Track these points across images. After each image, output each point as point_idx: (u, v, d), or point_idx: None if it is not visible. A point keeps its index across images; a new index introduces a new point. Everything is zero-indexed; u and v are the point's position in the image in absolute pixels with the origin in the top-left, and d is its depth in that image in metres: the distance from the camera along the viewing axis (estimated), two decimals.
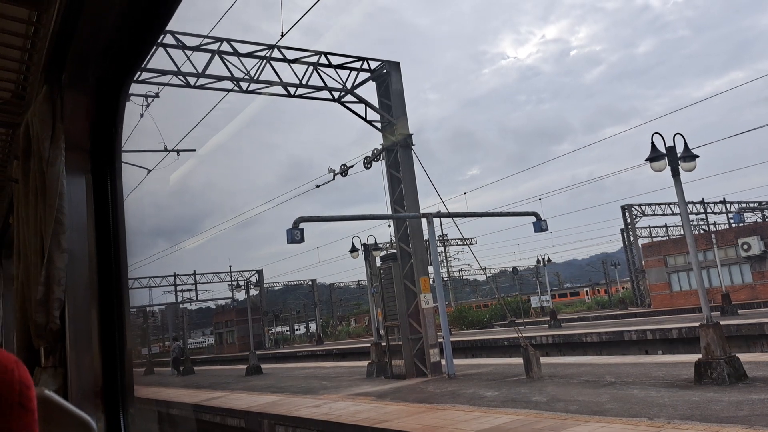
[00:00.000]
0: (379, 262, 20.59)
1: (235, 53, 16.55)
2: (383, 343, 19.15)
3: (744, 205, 53.10)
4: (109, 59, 1.77)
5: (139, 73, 14.87)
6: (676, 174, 12.13)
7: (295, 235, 15.23)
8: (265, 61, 16.87)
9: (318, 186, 21.46)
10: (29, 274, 1.94)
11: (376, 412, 11.77)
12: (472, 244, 59.10)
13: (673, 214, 51.31)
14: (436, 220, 18.35)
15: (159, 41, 14.95)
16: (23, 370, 0.83)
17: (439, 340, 17.35)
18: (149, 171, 16.97)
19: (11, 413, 0.80)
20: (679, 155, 12.13)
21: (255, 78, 16.81)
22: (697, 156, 12.12)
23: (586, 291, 74.08)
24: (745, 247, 38.50)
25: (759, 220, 51.80)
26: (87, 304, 1.92)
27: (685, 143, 12.25)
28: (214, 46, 16.26)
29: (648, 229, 56.56)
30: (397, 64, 18.65)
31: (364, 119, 18.49)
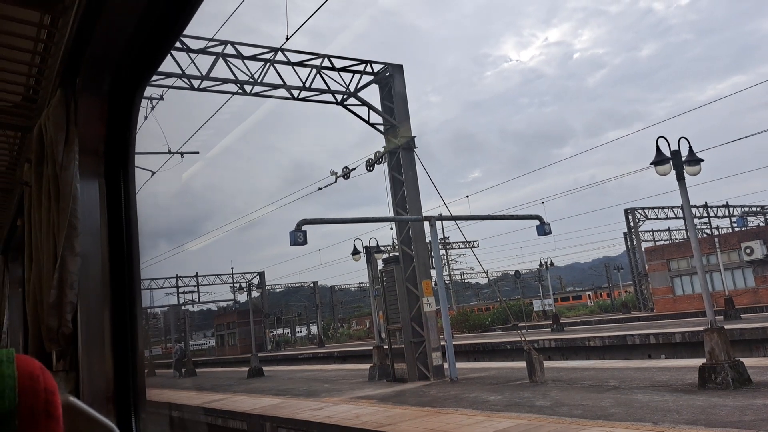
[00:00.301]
0: (380, 265, 20.56)
1: (239, 56, 16.57)
2: (385, 346, 19.12)
3: (747, 209, 52.99)
4: (124, 64, 1.77)
5: None
6: (681, 178, 12.10)
7: (298, 237, 15.24)
8: (268, 64, 16.89)
9: (320, 188, 21.46)
10: (42, 277, 1.93)
11: (379, 415, 11.75)
12: (474, 247, 59.05)
13: (676, 218, 51.22)
14: (438, 223, 18.34)
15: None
16: (48, 377, 0.82)
17: (442, 344, 17.32)
18: (153, 173, 16.98)
19: (38, 422, 0.79)
20: (683, 159, 12.11)
21: (259, 81, 16.83)
22: (702, 160, 12.10)
23: (589, 295, 73.92)
24: (748, 251, 38.39)
25: (762, 224, 51.68)
26: (99, 307, 1.91)
27: (690, 147, 12.23)
28: (218, 49, 16.29)
29: (651, 233, 56.46)
30: (400, 66, 18.67)
31: (367, 122, 18.50)
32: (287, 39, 15.03)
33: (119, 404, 1.89)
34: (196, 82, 16.30)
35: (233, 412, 15.31)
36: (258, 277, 63.57)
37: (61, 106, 1.82)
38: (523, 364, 15.31)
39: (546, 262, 47.35)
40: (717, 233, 47.06)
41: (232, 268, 60.39)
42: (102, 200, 1.95)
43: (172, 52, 15.57)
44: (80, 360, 1.86)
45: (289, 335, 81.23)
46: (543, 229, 18.89)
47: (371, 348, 21.48)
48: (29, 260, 2.12)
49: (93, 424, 0.96)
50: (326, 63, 17.77)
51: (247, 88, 16.85)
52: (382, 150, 18.81)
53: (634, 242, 50.37)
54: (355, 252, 24.65)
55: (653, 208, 50.65)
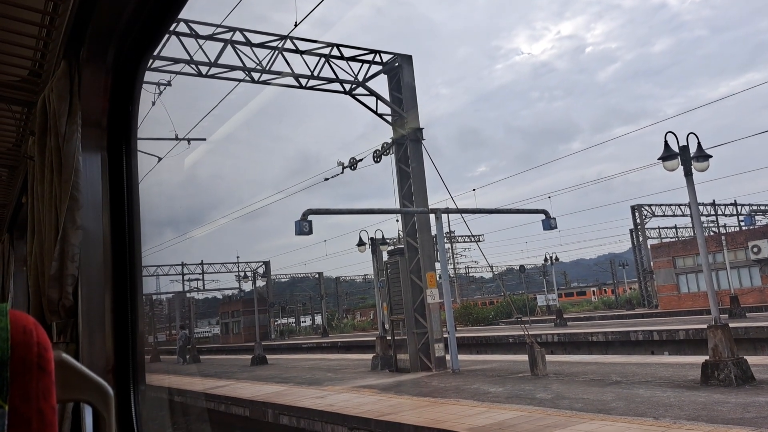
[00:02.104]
0: (385, 257, 20.59)
1: (248, 43, 16.55)
2: (388, 337, 19.18)
3: (755, 207, 52.66)
4: (128, 36, 1.77)
5: (151, 60, 14.91)
6: (688, 174, 12.03)
7: (304, 226, 15.26)
8: (277, 51, 16.86)
9: (327, 179, 21.45)
10: (43, 249, 1.94)
11: (381, 404, 11.79)
12: (479, 241, 59.00)
13: (683, 215, 50.98)
14: (444, 217, 18.33)
15: (173, 29, 14.98)
16: (42, 332, 0.83)
17: (444, 335, 17.35)
18: (160, 159, 17.02)
19: (30, 375, 0.79)
20: (692, 155, 12.03)
21: (267, 68, 16.81)
22: (711, 156, 12.02)
23: (593, 291, 73.82)
24: (755, 250, 38.19)
25: None
26: (100, 281, 1.92)
27: (699, 143, 12.15)
28: (227, 36, 16.26)
29: (657, 230, 56.23)
30: (410, 57, 18.59)
31: (375, 112, 18.45)
32: (295, 26, 15.00)
33: (119, 377, 1.90)
34: (204, 69, 16.29)
35: (236, 399, 15.41)
36: (263, 266, 63.85)
37: (65, 78, 1.82)
38: (525, 357, 15.32)
39: (551, 258, 47.32)
40: (724, 231, 46.81)
41: (237, 257, 60.64)
42: (104, 174, 1.95)
43: (180, 37, 15.58)
44: (80, 332, 1.87)
45: (294, 325, 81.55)
46: (549, 224, 18.85)
47: (374, 338, 21.55)
48: (32, 233, 2.13)
49: (85, 381, 0.96)
50: (335, 52, 17.72)
51: (255, 75, 16.83)
52: (389, 141, 18.78)
53: (640, 239, 50.17)
54: (361, 243, 24.70)
55: (660, 205, 50.40)
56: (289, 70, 17.16)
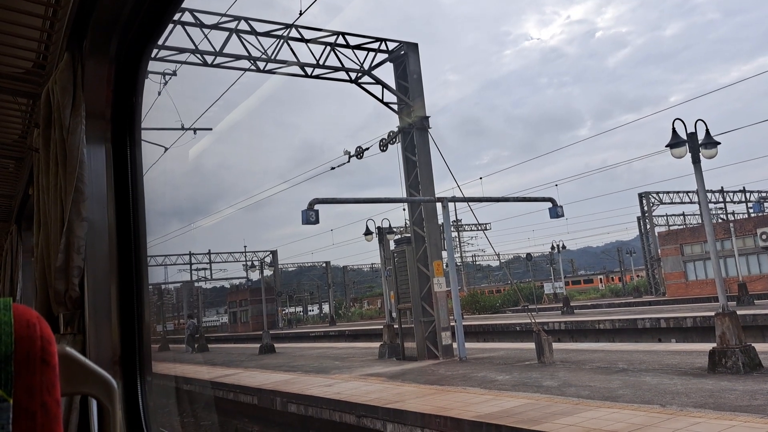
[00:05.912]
0: (392, 246, 20.60)
1: (253, 32, 16.48)
2: (395, 325, 19.24)
3: (764, 194, 52.25)
4: (130, 28, 1.76)
5: (156, 50, 14.88)
6: (696, 161, 11.94)
7: (310, 216, 15.29)
8: (282, 40, 16.79)
9: (333, 168, 21.45)
10: (49, 241, 1.95)
11: (388, 392, 11.86)
12: (486, 229, 58.95)
13: (690, 202, 50.63)
14: (450, 205, 18.29)
15: (177, 19, 14.93)
16: (45, 326, 0.84)
17: (451, 324, 17.39)
18: (166, 149, 17.06)
19: (34, 368, 0.80)
20: (700, 142, 11.93)
21: (272, 57, 16.76)
22: (719, 143, 11.91)
23: (600, 278, 73.68)
24: (764, 236, 37.94)
25: None
26: (106, 272, 1.93)
27: (707, 129, 12.04)
28: (232, 25, 16.20)
29: (665, 218, 55.94)
30: (415, 45, 18.48)
31: (381, 101, 18.38)
32: (300, 14, 14.93)
33: (125, 368, 1.92)
34: (209, 58, 16.26)
35: (244, 387, 15.53)
36: (271, 255, 64.06)
37: (68, 70, 1.82)
38: (532, 345, 15.35)
39: (558, 246, 47.20)
40: (733, 218, 46.51)
41: (245, 246, 60.82)
42: (108, 166, 1.95)
43: (185, 27, 15.54)
44: (87, 324, 1.89)
45: (301, 313, 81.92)
46: (555, 212, 18.79)
47: (382, 327, 21.62)
48: (38, 225, 2.14)
49: (90, 375, 0.97)
50: (340, 40, 17.63)
51: (261, 64, 16.78)
52: (395, 130, 18.72)
53: (648, 226, 49.94)
54: (368, 232, 24.73)
55: (668, 192, 50.11)
56: (295, 59, 17.10)
